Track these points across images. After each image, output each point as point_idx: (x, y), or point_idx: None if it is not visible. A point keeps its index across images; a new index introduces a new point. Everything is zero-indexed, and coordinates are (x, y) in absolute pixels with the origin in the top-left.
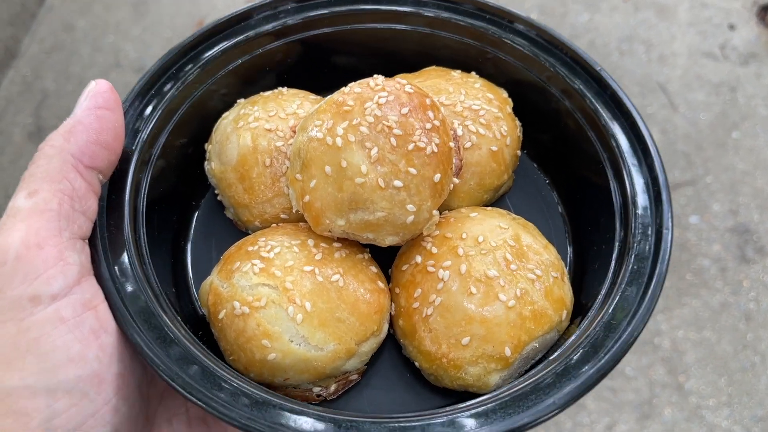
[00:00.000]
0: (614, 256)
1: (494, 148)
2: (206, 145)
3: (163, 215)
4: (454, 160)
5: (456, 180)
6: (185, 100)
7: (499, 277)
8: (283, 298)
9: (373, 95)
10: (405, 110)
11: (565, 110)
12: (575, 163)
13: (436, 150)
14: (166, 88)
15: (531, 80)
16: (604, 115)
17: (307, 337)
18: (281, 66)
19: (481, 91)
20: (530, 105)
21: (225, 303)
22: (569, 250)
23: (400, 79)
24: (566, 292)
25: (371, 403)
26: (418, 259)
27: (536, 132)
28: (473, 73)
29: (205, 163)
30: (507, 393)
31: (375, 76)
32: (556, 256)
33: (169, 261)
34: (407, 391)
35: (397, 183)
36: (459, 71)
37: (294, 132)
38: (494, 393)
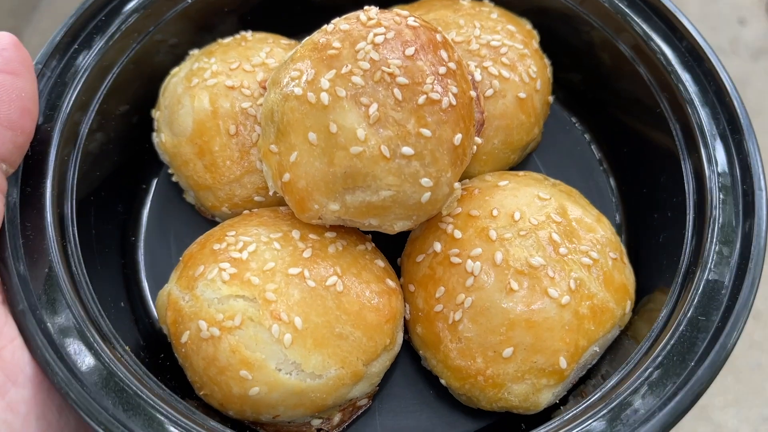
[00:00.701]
0: (689, 225)
1: (522, 95)
2: (153, 111)
3: (103, 206)
4: (475, 114)
5: (478, 139)
6: (122, 54)
7: (546, 265)
8: (263, 314)
9: (367, 33)
10: (410, 50)
11: (601, 41)
12: (619, 108)
13: (454, 102)
14: (94, 41)
15: (557, 6)
16: (659, 43)
17: (300, 363)
18: (244, 4)
19: (499, 22)
20: (556, 39)
21: (188, 322)
22: (617, 217)
23: (399, 10)
24: (628, 277)
25: None
26: (438, 246)
27: (564, 72)
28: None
29: (154, 134)
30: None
31: (366, 7)
32: (612, 230)
33: (117, 264)
34: (431, 415)
35: (407, 150)
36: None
37: (264, 88)
38: (562, 419)
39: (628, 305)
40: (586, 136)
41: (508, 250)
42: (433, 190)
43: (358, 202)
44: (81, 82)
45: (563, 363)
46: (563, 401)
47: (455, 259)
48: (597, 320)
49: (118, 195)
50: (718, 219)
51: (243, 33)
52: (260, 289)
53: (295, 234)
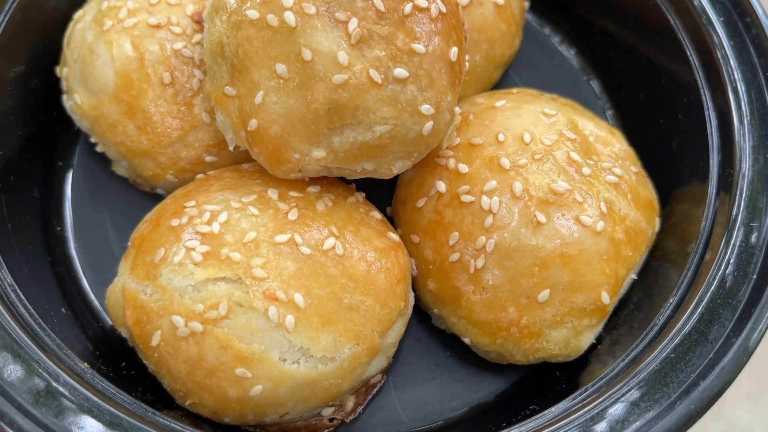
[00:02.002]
0: (711, 126)
1: (500, 2)
2: (58, 68)
3: (13, 194)
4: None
5: (465, 55)
6: (3, 2)
7: (571, 190)
8: (255, 296)
9: None
10: None
11: None
12: (596, 6)
13: (444, 9)
14: None
15: None
16: None
17: (308, 348)
18: None
19: None
20: None
21: (157, 320)
22: (608, 111)
23: None
24: (651, 190)
25: (409, 409)
26: (442, 186)
27: None
28: None
29: (64, 97)
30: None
31: None
32: (624, 139)
33: (44, 262)
34: (453, 379)
35: (400, 72)
36: None
37: (199, 22)
38: (618, 364)
39: (657, 223)
40: (562, 46)
41: (527, 178)
42: (435, 119)
43: (349, 143)
44: None
45: (605, 298)
46: (598, 339)
47: (467, 198)
48: (633, 244)
49: (29, 178)
50: (747, 120)
51: None
52: (245, 266)
53: (272, 193)
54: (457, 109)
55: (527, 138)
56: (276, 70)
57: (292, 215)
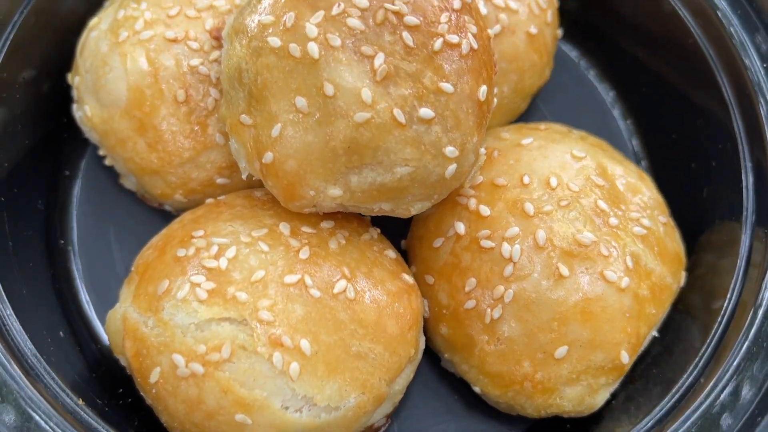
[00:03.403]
0: (747, 176)
1: (533, 31)
2: (70, 76)
3: (18, 205)
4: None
5: (494, 89)
6: (19, 2)
7: (597, 242)
8: (259, 340)
9: None
10: None
11: None
12: (631, 38)
13: (475, 45)
14: None
15: None
16: None
17: (312, 397)
18: None
19: None
20: None
21: (157, 356)
22: (636, 145)
23: None
24: (679, 242)
25: None
26: (461, 227)
27: None
28: None
29: (74, 106)
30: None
31: None
32: (654, 185)
33: (45, 279)
34: (461, 426)
35: (425, 112)
36: None
37: (218, 38)
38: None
39: (683, 277)
40: (591, 73)
41: (551, 227)
42: (459, 161)
43: (367, 183)
44: None
45: (625, 357)
46: (613, 394)
47: (486, 243)
48: (657, 301)
49: (35, 188)
50: None
51: None
52: (251, 308)
53: (284, 228)
54: (482, 150)
55: (554, 182)
56: (296, 103)
57: (304, 254)
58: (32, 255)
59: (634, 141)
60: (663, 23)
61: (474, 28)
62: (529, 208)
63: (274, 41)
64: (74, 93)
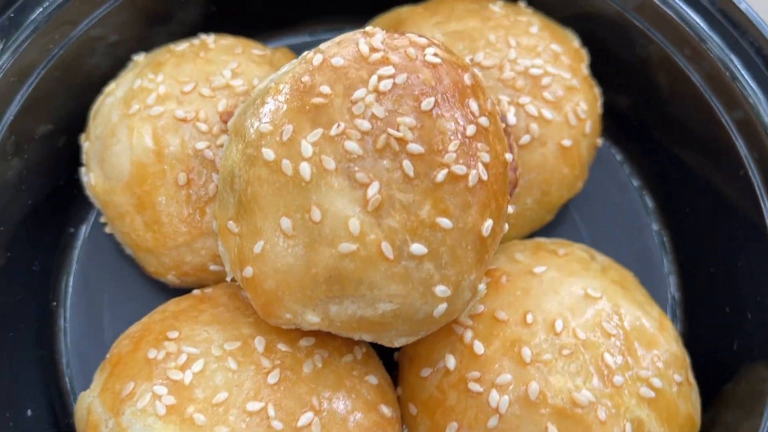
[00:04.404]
0: None
1: (567, 143)
2: (82, 137)
3: (12, 272)
4: (509, 176)
5: (510, 209)
6: (45, 54)
7: (595, 403)
8: None
9: (368, 74)
10: (428, 103)
11: (660, 58)
12: (681, 145)
13: (485, 176)
14: (8, 35)
15: (608, 12)
16: (738, 66)
17: None
18: None
19: (541, 40)
20: (603, 52)
21: None
22: (673, 292)
23: (415, 36)
24: (695, 403)
25: None
26: (451, 362)
27: (611, 93)
28: (521, 2)
29: (82, 170)
30: None
31: (369, 29)
32: (676, 337)
33: (30, 343)
34: None
35: (417, 248)
36: (500, 0)
37: (227, 122)
38: None
39: None
40: (634, 181)
41: (548, 380)
42: (451, 300)
43: (347, 315)
44: None
45: None
46: None
47: (474, 386)
48: None
49: (36, 245)
50: None
51: (203, 36)
52: None
53: (259, 344)
54: (482, 286)
55: (559, 326)
56: (281, 223)
57: (273, 377)
58: (20, 318)
59: (666, 262)
60: (716, 138)
61: (487, 157)
62: (527, 353)
63: (268, 153)
64: (83, 157)
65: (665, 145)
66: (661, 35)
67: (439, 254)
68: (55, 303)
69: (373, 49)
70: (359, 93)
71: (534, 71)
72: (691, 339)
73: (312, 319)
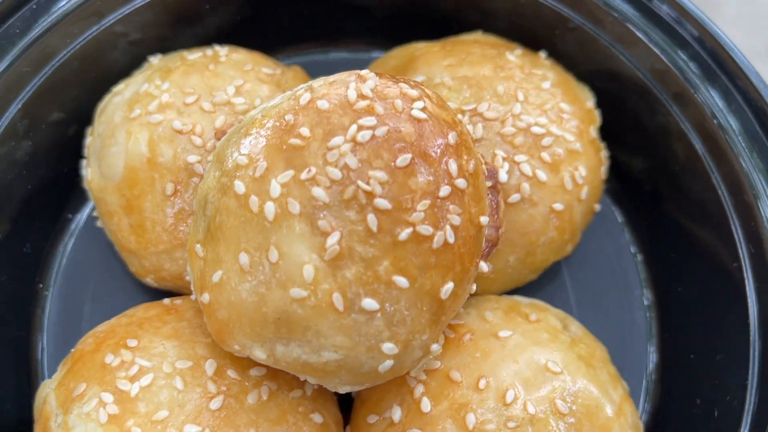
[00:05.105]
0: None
1: (558, 207)
2: (89, 131)
3: (4, 241)
4: (488, 234)
5: (484, 266)
6: (69, 42)
7: None
8: None
9: (350, 121)
10: (403, 159)
11: (678, 131)
12: (688, 219)
13: (451, 239)
14: (32, 19)
15: (631, 76)
16: (748, 155)
17: None
18: None
19: (551, 96)
20: (623, 111)
21: None
22: (651, 352)
23: (408, 88)
24: None
25: None
26: (397, 414)
27: (626, 153)
28: (542, 53)
29: (83, 163)
30: None
31: (363, 73)
32: (634, 424)
33: (9, 323)
34: None
35: (369, 303)
36: (520, 49)
37: (219, 139)
38: None
39: None
40: (632, 248)
41: None
42: (398, 358)
43: (292, 358)
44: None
45: None
46: None
47: None
48: None
49: (28, 226)
50: None
51: (217, 48)
52: None
53: (209, 367)
54: (436, 346)
55: (510, 397)
56: (239, 258)
57: (215, 403)
58: (2, 297)
59: (650, 337)
60: (718, 224)
61: (457, 219)
62: (471, 420)
63: (239, 186)
64: (85, 151)
65: (672, 218)
66: (679, 110)
67: (392, 312)
68: (41, 285)
69: (360, 96)
70: (336, 140)
71: (536, 129)
72: (659, 420)
73: (259, 355)
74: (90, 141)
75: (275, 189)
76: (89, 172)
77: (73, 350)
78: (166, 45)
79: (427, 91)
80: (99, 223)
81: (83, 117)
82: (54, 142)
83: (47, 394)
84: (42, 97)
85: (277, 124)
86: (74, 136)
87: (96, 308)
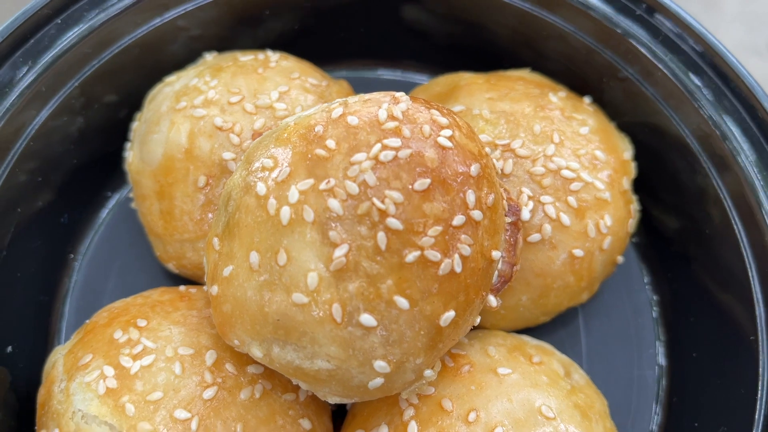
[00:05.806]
0: None
1: (578, 253)
2: (137, 115)
3: (43, 209)
4: (496, 272)
5: (493, 302)
6: (129, 30)
7: None
8: None
9: (375, 139)
10: (422, 183)
11: (716, 196)
12: (715, 285)
13: (458, 268)
14: (99, 5)
15: (674, 134)
16: None
17: None
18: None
19: (588, 143)
20: (663, 167)
21: (49, 419)
22: (657, 413)
23: (439, 115)
24: None
25: None
26: None
27: (660, 209)
28: (587, 99)
29: (126, 146)
30: None
31: (397, 95)
32: None
33: (34, 287)
34: None
35: (367, 319)
36: (564, 91)
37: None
38: None
39: None
40: (654, 310)
41: None
42: (389, 378)
43: (286, 360)
44: (65, 51)
45: None
46: None
47: None
48: None
49: (68, 201)
50: None
51: (269, 53)
52: (130, 424)
53: (209, 357)
54: (430, 372)
55: None
56: (250, 256)
57: (209, 393)
58: (32, 262)
59: (657, 399)
60: (740, 295)
61: (467, 250)
62: None
63: (261, 188)
64: (131, 134)
65: (697, 281)
66: (718, 175)
67: (389, 331)
68: (72, 255)
69: (390, 117)
70: (359, 156)
71: (566, 173)
72: None
73: (256, 353)
74: (136, 125)
75: (294, 195)
76: (131, 155)
77: (87, 321)
78: (224, 44)
79: (458, 120)
80: (133, 205)
81: (135, 102)
82: (105, 122)
83: (57, 359)
84: (100, 78)
85: (307, 133)
86: (124, 118)
87: (118, 284)
